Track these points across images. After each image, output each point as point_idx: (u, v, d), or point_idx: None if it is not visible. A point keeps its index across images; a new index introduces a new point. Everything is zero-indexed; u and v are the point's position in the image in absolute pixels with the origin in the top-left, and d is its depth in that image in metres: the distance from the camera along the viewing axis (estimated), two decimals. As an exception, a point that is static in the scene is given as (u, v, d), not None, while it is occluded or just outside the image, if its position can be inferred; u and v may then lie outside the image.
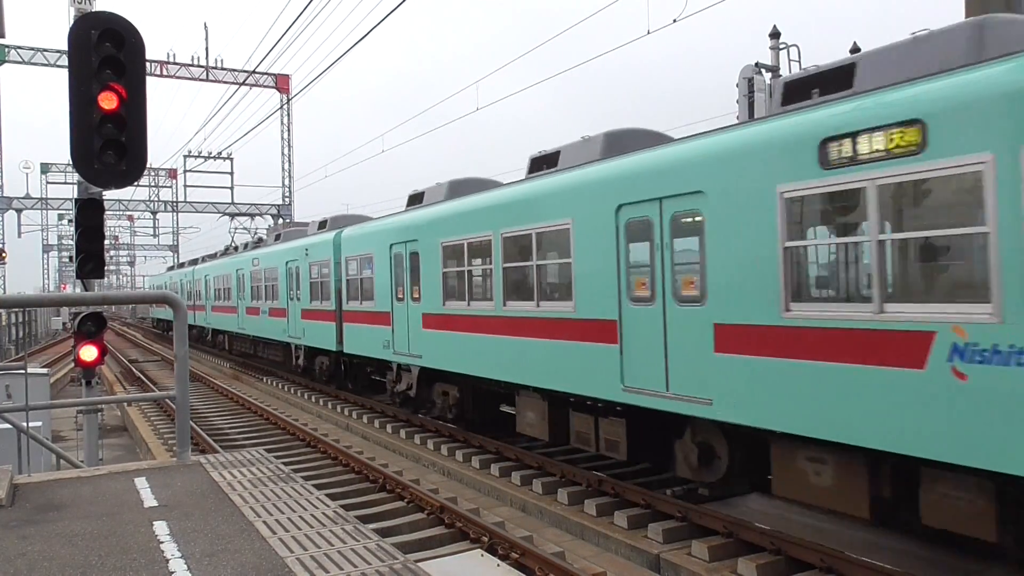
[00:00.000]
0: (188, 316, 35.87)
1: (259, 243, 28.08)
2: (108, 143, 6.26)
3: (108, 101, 6.23)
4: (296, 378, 23.65)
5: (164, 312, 45.96)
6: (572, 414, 10.41)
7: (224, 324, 31.13)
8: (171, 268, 50.41)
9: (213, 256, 36.20)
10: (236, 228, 39.30)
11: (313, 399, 19.68)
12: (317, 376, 21.24)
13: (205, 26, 39.38)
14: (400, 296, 14.36)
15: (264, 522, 4.67)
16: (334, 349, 18.24)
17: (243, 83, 34.06)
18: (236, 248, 33.35)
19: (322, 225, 20.10)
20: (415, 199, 14.98)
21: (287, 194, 42.72)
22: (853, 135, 6.25)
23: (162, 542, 4.32)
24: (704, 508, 8.60)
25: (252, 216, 38.17)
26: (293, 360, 22.59)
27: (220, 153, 41.34)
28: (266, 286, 23.76)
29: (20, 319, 37.55)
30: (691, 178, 7.79)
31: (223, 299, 30.44)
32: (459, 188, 13.69)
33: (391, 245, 14.65)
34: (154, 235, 63.75)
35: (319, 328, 18.97)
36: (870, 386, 6.09)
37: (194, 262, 40.67)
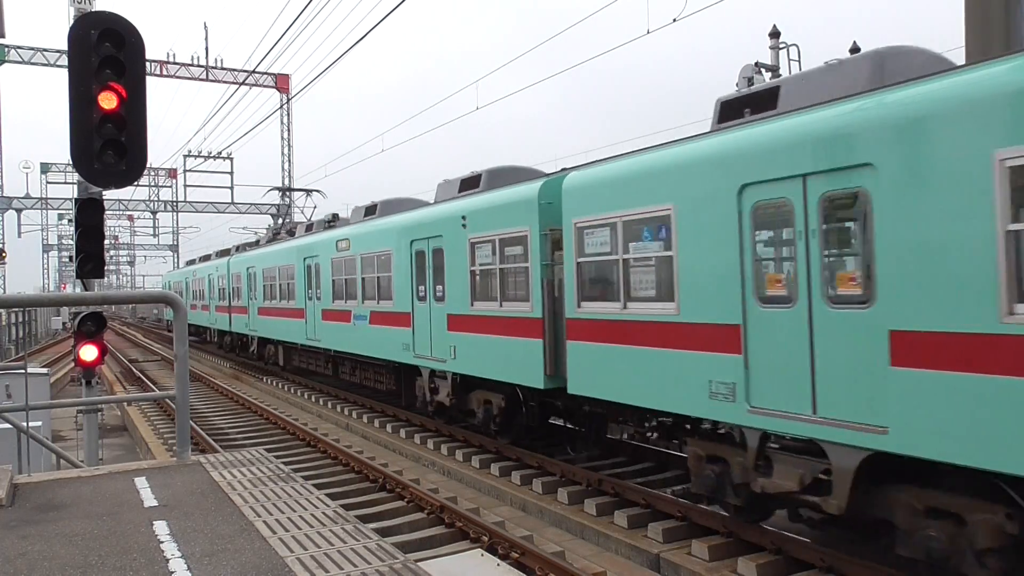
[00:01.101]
0: (223, 321, 29.89)
1: (333, 221, 20.45)
2: (108, 143, 6.26)
3: (108, 101, 6.23)
4: (311, 382, 21.35)
5: (195, 315, 36.90)
6: None
7: (280, 332, 22.71)
8: (191, 262, 41.67)
9: (254, 244, 28.87)
10: (287, 205, 30.50)
11: (313, 399, 19.67)
12: (479, 424, 12.80)
13: (205, 26, 39.46)
14: (778, 291, 7.10)
15: (264, 522, 4.67)
16: (538, 385, 10.52)
17: (243, 83, 34.08)
18: (291, 232, 25.30)
19: (468, 185, 13.13)
20: (748, 105, 7.90)
21: (287, 194, 42.72)
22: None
23: (162, 542, 4.32)
24: (704, 507, 8.59)
25: (308, 193, 28.41)
26: (423, 394, 14.42)
27: (220, 153, 41.40)
28: (364, 280, 16.14)
29: (20, 319, 37.56)
30: None
31: (279, 298, 22.22)
32: (894, 62, 7.10)
33: (743, 188, 7.23)
34: (154, 235, 63.96)
35: (496, 347, 11.38)
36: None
37: (225, 253, 32.59)
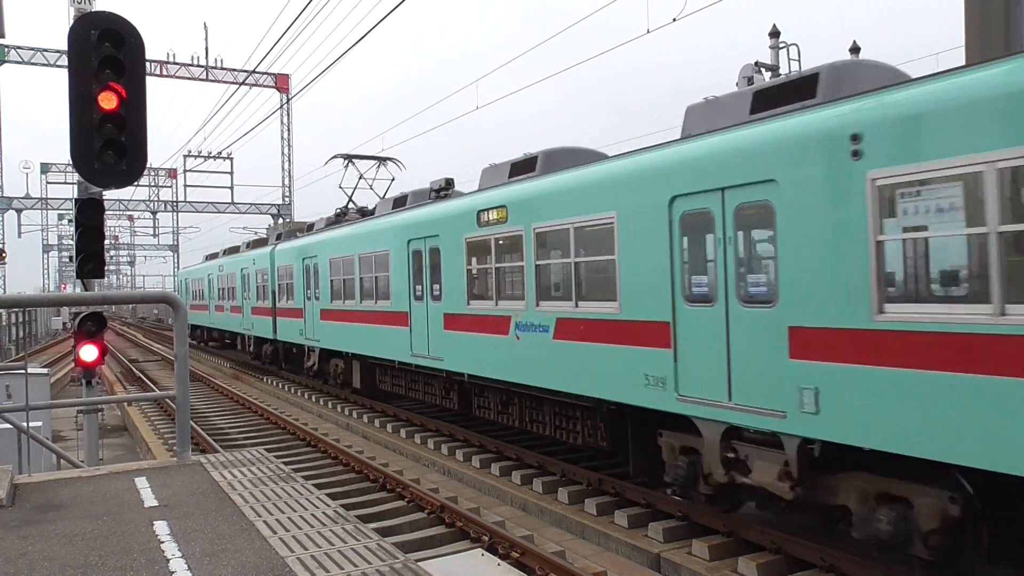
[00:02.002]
0: (264, 326, 24.27)
1: (447, 188, 14.75)
2: (108, 143, 6.27)
3: (108, 101, 6.24)
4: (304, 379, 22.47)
5: (221, 318, 30.97)
6: None
7: (361, 344, 16.51)
8: (212, 256, 35.10)
9: (307, 230, 22.29)
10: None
11: (313, 399, 19.67)
12: (874, 538, 6.55)
13: (205, 26, 39.43)
14: None
15: (264, 522, 4.67)
16: None
17: (243, 83, 34.09)
18: (363, 212, 19.70)
19: (784, 96, 7.64)
20: None
21: (287, 194, 42.81)
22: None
23: (162, 542, 4.32)
24: (704, 507, 8.59)
25: (382, 161, 21.42)
26: (687, 467, 8.30)
27: (220, 153, 41.44)
28: (540, 268, 10.35)
29: (20, 319, 37.58)
30: None
31: (360, 298, 16.27)
32: None
33: None
34: (154, 235, 63.94)
35: (974, 402, 5.47)
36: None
37: (261, 243, 26.91)
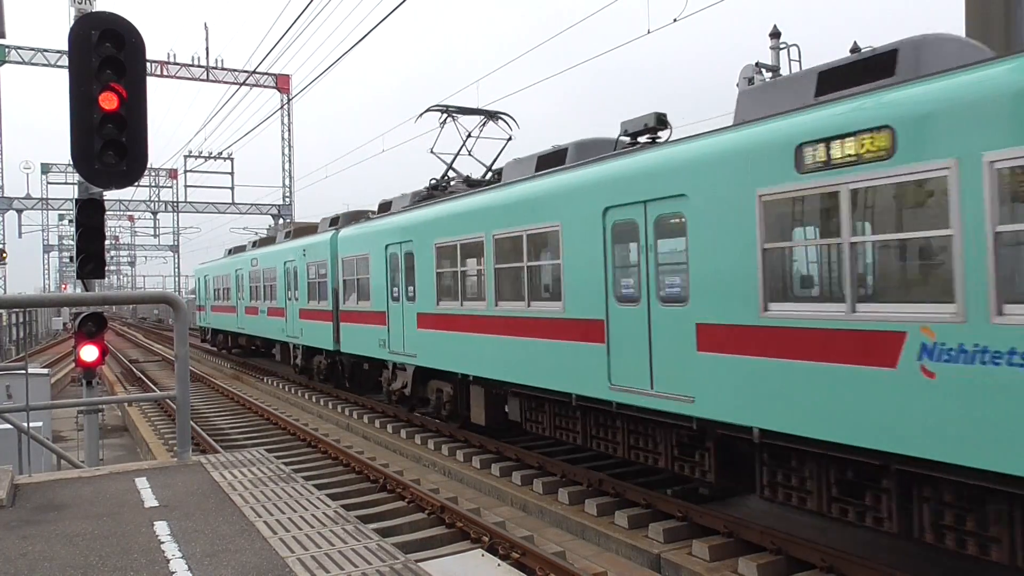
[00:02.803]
0: (319, 333, 19.78)
1: (654, 133, 9.51)
2: (108, 143, 6.28)
3: (108, 101, 6.25)
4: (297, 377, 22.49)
5: (253, 322, 26.07)
6: None
7: (498, 364, 11.28)
8: (237, 250, 30.42)
9: (385, 210, 16.86)
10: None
11: (314, 399, 19.68)
12: None
13: (205, 26, 39.45)
14: None
15: (265, 522, 4.67)
16: None
17: (243, 83, 34.10)
18: (473, 180, 14.98)
19: None
20: None
21: (287, 194, 42.85)
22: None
23: (163, 542, 4.32)
24: (705, 508, 8.60)
25: (491, 116, 15.95)
26: None
27: (220, 153, 41.47)
28: None
29: (20, 319, 37.60)
30: None
31: (497, 298, 11.26)
32: None
33: None
34: (154, 235, 64.01)
35: None
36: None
37: (306, 230, 22.55)
